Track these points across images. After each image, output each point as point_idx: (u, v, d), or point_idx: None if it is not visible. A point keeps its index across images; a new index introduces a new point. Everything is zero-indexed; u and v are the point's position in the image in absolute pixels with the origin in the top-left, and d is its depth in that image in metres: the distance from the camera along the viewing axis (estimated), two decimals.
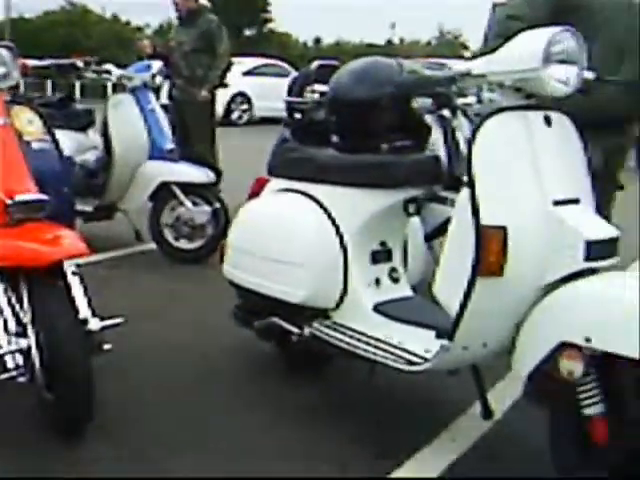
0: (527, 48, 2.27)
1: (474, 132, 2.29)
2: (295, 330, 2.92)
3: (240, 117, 17.45)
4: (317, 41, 54.55)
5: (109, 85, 5.45)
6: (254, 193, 3.22)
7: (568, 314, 2.18)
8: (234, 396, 3.11)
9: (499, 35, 2.86)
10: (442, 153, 3.55)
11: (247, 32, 42.98)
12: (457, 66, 2.37)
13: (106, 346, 2.71)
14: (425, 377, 2.65)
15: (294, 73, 14.21)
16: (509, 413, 2.99)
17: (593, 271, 2.25)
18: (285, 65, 18.82)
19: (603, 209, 2.93)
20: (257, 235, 3.01)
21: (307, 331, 2.87)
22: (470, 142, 2.29)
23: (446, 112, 3.59)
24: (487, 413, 2.92)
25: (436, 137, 3.61)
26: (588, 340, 2.11)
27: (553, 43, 2.25)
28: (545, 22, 2.83)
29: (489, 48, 2.77)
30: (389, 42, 50.72)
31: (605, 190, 3.08)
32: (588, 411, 2.20)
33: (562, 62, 2.30)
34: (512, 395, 2.95)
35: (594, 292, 2.19)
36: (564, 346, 2.16)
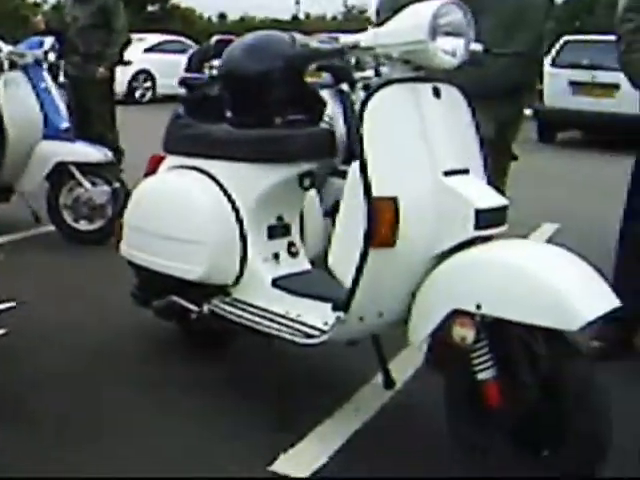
0: (413, 20, 2.28)
1: (363, 104, 2.30)
2: (194, 308, 2.90)
3: (143, 95, 17.13)
4: (222, 17, 53.89)
5: (5, 63, 5.22)
6: (150, 171, 3.17)
7: (459, 282, 2.23)
8: (136, 377, 3.07)
9: (390, 8, 2.87)
10: (341, 127, 3.57)
11: (150, 8, 42.09)
12: (345, 39, 2.36)
13: (0, 331, 2.65)
14: (330, 348, 2.66)
15: None
16: (410, 382, 3.04)
17: (484, 239, 2.30)
18: (188, 41, 18.52)
19: (496, 179, 3.00)
20: (153, 213, 2.97)
21: (206, 308, 2.85)
22: (360, 114, 2.30)
23: (345, 86, 3.61)
24: (388, 382, 2.98)
25: (335, 111, 3.63)
26: (479, 307, 2.16)
27: (439, 15, 2.27)
28: None
29: (380, 21, 2.78)
30: (295, 18, 50.51)
31: (499, 160, 3.14)
32: (481, 376, 2.25)
33: (449, 34, 2.32)
34: (414, 364, 2.99)
35: (484, 260, 2.23)
36: (457, 313, 2.21)
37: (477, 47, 2.49)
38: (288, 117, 2.81)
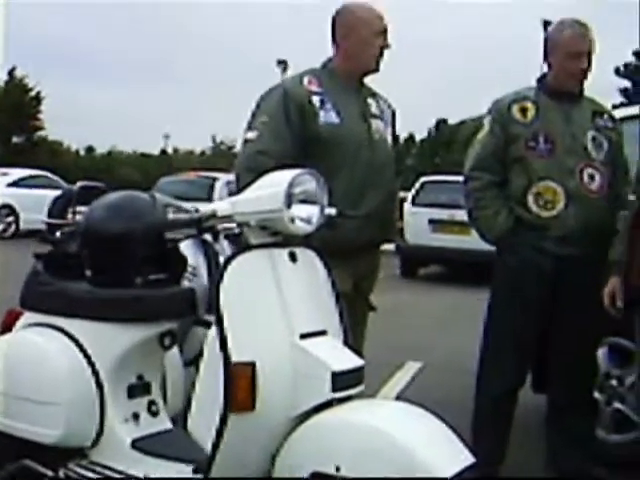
0: (270, 190, 2.38)
1: (221, 272, 2.36)
2: (49, 473, 2.78)
3: (5, 230, 16.76)
4: (89, 150, 53.82)
5: None
6: (5, 327, 3.09)
7: (317, 444, 2.25)
8: None
9: (250, 169, 2.98)
10: (204, 277, 3.59)
11: (16, 139, 41.73)
12: (204, 208, 2.44)
13: None
14: None
15: (64, 185, 13.92)
16: None
17: (341, 400, 2.34)
18: (54, 177, 18.38)
19: (355, 331, 3.08)
20: (6, 372, 2.86)
21: (62, 473, 2.75)
22: (218, 282, 2.35)
23: (208, 237, 3.66)
24: None
25: (198, 261, 3.66)
26: (338, 469, 2.18)
27: (294, 185, 2.38)
28: (292, 155, 3.00)
29: (243, 183, 2.88)
30: (163, 152, 51.06)
31: (357, 313, 3.24)
32: None
33: (304, 202, 2.44)
34: None
35: (341, 422, 2.27)
36: (317, 476, 2.22)
37: (331, 211, 2.61)
38: (149, 277, 2.83)
